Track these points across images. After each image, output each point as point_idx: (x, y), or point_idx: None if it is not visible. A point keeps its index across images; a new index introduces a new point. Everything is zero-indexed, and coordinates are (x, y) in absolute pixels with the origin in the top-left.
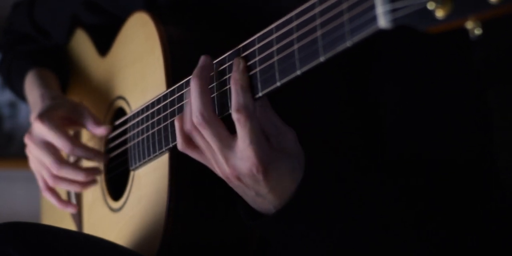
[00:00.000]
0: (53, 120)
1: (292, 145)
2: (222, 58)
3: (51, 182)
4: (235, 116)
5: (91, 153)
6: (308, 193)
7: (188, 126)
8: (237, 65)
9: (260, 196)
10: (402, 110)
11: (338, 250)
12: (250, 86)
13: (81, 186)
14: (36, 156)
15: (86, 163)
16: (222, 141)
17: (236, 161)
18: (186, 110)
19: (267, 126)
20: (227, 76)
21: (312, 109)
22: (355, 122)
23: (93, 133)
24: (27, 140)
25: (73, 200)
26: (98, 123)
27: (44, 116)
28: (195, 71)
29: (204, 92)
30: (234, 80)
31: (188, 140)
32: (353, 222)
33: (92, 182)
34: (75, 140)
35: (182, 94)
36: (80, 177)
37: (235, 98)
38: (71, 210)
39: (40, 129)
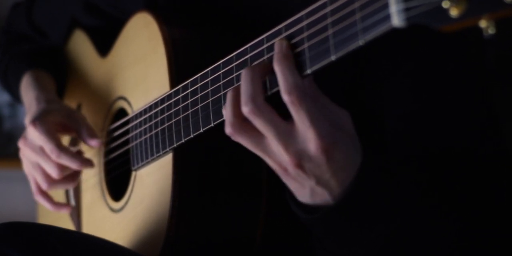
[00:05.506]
0: (46, 124)
1: (349, 127)
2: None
3: (46, 186)
4: (287, 99)
5: (77, 161)
6: (368, 178)
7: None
8: (280, 46)
9: (320, 184)
10: (405, 107)
11: (383, 244)
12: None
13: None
14: (31, 160)
15: (86, 152)
16: (278, 128)
17: (298, 146)
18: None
19: (320, 110)
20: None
21: None
22: (356, 121)
23: (86, 144)
24: (21, 144)
25: (72, 201)
26: (93, 134)
27: (37, 121)
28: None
29: (257, 79)
30: (279, 61)
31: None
32: (400, 215)
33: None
34: (62, 147)
35: (187, 93)
36: (76, 165)
37: (283, 80)
38: (65, 211)
39: (33, 134)
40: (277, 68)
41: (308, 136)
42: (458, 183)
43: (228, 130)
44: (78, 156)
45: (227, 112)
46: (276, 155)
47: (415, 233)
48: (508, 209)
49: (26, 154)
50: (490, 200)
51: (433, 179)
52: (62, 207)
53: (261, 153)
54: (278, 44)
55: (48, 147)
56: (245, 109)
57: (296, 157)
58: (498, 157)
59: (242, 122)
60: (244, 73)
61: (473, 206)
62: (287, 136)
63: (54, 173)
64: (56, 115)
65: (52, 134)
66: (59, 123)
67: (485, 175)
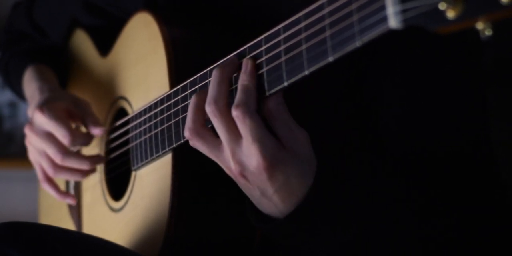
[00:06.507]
0: (53, 110)
1: (304, 148)
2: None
3: (52, 172)
4: (233, 113)
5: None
6: (318, 200)
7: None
8: (245, 66)
9: (265, 196)
10: (401, 107)
11: (350, 253)
12: (256, 87)
13: (82, 175)
14: (37, 147)
15: (86, 152)
16: (230, 134)
17: (242, 157)
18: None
19: (280, 127)
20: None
21: (307, 108)
22: (352, 120)
23: (90, 132)
24: (27, 130)
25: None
26: (97, 122)
27: (44, 106)
28: (221, 62)
29: (224, 82)
30: (241, 80)
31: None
32: (364, 224)
33: (92, 170)
34: (75, 131)
35: (187, 94)
36: (85, 165)
37: (238, 96)
38: (70, 201)
39: (41, 119)
40: (238, 85)
41: (251, 151)
42: (446, 185)
43: (186, 133)
44: (91, 138)
45: (188, 117)
46: (226, 162)
47: (391, 243)
48: (496, 213)
49: (32, 140)
50: (479, 204)
51: (421, 180)
52: (67, 196)
53: (215, 158)
54: (244, 64)
55: (61, 132)
56: (208, 109)
57: (240, 167)
58: (488, 161)
59: (200, 127)
60: (214, 74)
61: (460, 210)
62: (236, 144)
63: (58, 158)
64: (63, 102)
65: (62, 119)
66: (66, 110)
67: (473, 178)
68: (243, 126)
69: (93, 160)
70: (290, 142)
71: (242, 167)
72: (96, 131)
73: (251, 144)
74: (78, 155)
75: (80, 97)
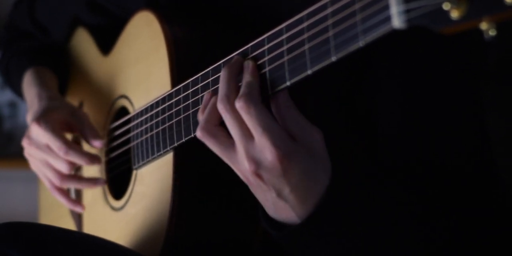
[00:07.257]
0: (50, 122)
1: (318, 146)
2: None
3: (58, 183)
4: (237, 105)
5: (85, 157)
6: (335, 201)
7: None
8: (247, 67)
9: (281, 198)
10: (400, 108)
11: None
12: (258, 83)
13: (88, 183)
14: (39, 158)
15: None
16: (243, 129)
17: (256, 153)
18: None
19: (292, 126)
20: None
21: (305, 112)
22: (350, 123)
23: (89, 145)
24: (25, 143)
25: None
26: (96, 135)
27: (41, 119)
28: (224, 60)
29: (233, 79)
30: (244, 79)
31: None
32: (368, 227)
33: (101, 181)
34: (70, 144)
35: (188, 93)
36: (84, 161)
37: (241, 90)
38: (79, 209)
39: (37, 132)
40: (244, 81)
41: (263, 144)
42: (446, 187)
43: (198, 133)
44: (86, 152)
45: (203, 117)
46: (240, 164)
47: (392, 246)
48: (496, 214)
49: (32, 152)
50: (479, 205)
51: (418, 188)
52: (77, 205)
53: (227, 160)
54: (245, 64)
55: (56, 144)
56: (220, 106)
57: (254, 165)
58: (486, 169)
59: (213, 127)
60: (222, 73)
61: (460, 211)
62: (249, 140)
63: (64, 168)
64: (59, 113)
65: (58, 132)
66: (63, 121)
67: (473, 181)
68: (249, 117)
69: (93, 158)
70: (302, 136)
71: (256, 165)
72: (96, 144)
73: (261, 136)
74: (81, 151)
75: (77, 107)
